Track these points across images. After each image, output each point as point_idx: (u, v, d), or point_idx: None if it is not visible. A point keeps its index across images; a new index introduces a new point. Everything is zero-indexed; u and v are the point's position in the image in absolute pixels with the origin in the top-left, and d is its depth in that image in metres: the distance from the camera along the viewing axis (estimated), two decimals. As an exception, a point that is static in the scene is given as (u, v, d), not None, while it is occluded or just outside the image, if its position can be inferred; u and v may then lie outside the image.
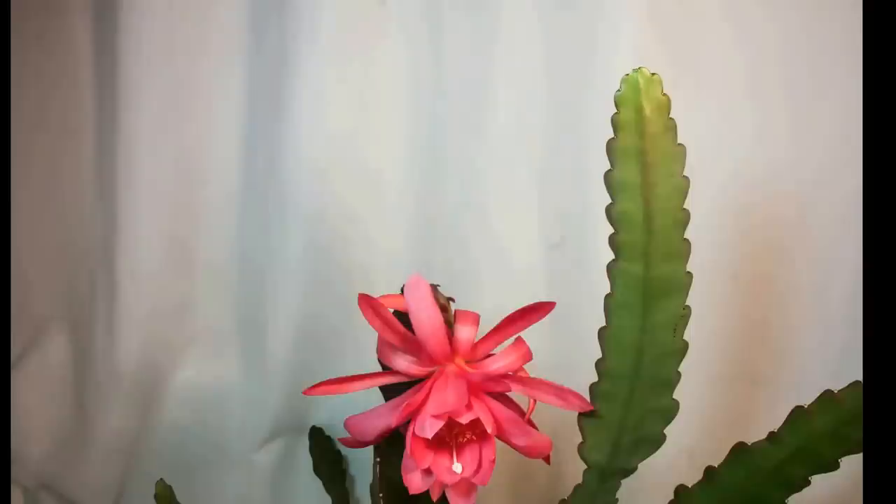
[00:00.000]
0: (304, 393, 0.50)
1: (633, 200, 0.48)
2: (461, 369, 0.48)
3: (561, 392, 0.49)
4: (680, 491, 0.56)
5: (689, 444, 0.75)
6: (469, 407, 0.45)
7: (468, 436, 0.47)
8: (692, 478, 0.55)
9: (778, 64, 0.75)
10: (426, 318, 0.46)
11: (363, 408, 0.52)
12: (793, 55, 0.75)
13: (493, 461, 0.46)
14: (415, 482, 0.47)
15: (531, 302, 0.47)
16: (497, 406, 0.47)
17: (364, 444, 0.51)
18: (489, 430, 0.45)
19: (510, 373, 0.49)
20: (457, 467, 0.46)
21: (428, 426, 0.45)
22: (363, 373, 0.50)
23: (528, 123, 0.77)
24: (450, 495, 0.48)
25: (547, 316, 0.48)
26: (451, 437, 0.47)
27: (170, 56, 0.79)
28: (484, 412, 0.46)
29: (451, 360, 0.49)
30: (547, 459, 0.50)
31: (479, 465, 0.46)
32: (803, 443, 0.51)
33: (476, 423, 0.46)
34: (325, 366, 0.80)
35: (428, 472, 0.47)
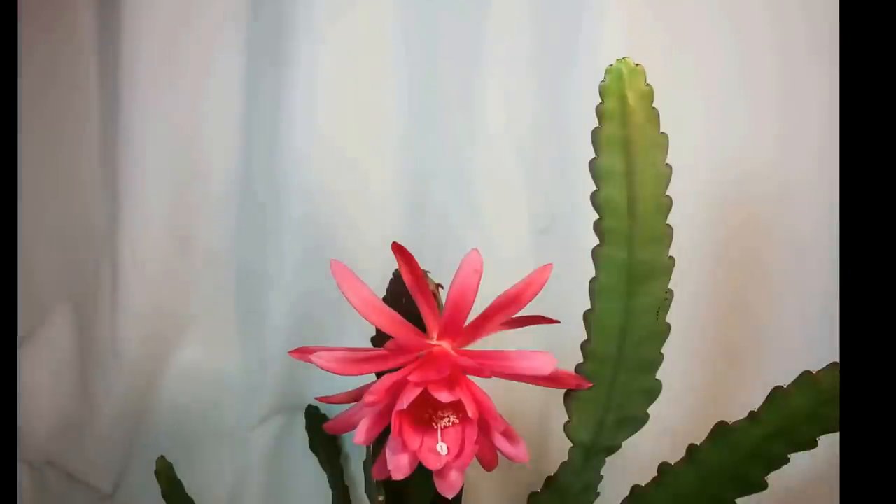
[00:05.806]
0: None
1: (618, 187, 0.49)
2: (446, 352, 0.49)
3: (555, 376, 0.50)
4: (663, 468, 0.57)
5: (671, 423, 0.76)
6: (450, 388, 0.45)
7: (452, 419, 0.48)
8: (675, 455, 0.57)
9: (759, 52, 0.75)
10: (359, 302, 0.48)
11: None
12: (766, 44, 0.75)
13: (476, 444, 0.47)
14: (401, 464, 0.48)
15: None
16: (480, 393, 0.47)
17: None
18: (470, 414, 0.45)
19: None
20: (441, 447, 0.47)
21: (405, 397, 0.45)
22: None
23: (517, 113, 0.77)
24: (435, 473, 0.48)
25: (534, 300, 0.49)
26: (436, 419, 0.48)
27: (171, 48, 0.80)
28: (466, 396, 0.46)
29: (425, 341, 0.49)
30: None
31: (462, 448, 0.47)
32: (782, 422, 0.53)
33: (458, 406, 0.46)
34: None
35: (413, 455, 0.47)
